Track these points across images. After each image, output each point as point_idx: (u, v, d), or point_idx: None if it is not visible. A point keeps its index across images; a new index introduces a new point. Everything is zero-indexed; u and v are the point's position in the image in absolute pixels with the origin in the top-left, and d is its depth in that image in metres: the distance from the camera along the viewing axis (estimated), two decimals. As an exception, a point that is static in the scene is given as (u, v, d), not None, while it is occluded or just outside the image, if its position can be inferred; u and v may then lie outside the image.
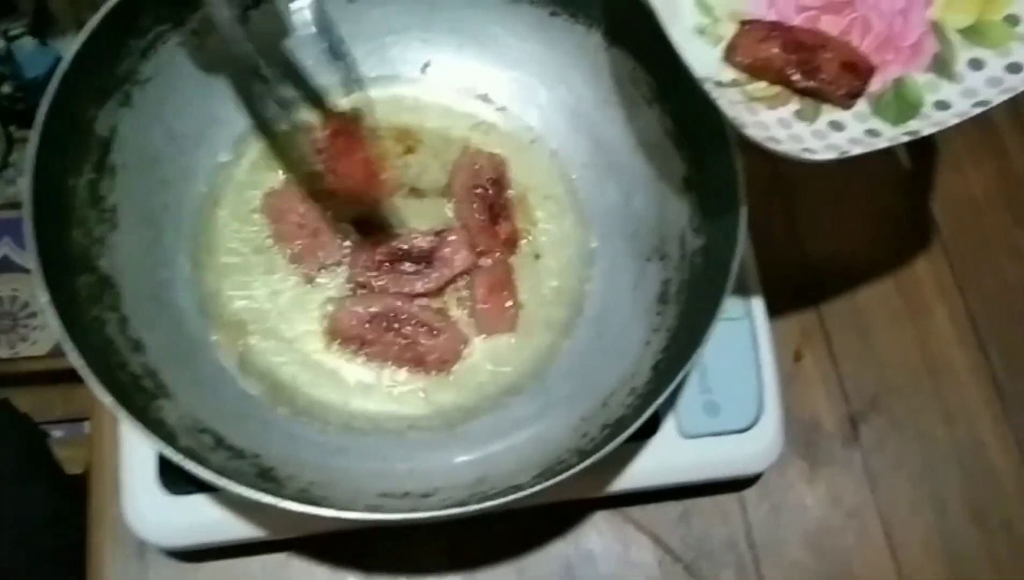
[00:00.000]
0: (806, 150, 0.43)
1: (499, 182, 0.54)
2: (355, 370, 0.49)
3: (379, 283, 0.50)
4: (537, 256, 0.54)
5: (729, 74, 0.46)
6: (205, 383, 0.47)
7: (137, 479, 0.47)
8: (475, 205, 0.54)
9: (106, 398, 0.38)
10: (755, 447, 0.53)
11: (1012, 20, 0.45)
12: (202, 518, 0.47)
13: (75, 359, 0.39)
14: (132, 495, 0.47)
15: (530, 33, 0.55)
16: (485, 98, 0.57)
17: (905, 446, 0.61)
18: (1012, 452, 0.62)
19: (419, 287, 0.51)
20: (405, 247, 0.52)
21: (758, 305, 0.56)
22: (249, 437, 0.45)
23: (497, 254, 0.53)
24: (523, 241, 0.54)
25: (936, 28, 0.46)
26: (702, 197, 0.50)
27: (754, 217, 0.59)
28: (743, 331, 0.55)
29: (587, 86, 0.55)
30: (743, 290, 0.56)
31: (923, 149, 0.70)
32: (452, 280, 0.52)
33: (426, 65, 0.57)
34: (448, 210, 0.54)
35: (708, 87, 0.42)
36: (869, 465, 0.60)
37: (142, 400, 0.43)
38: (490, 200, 0.54)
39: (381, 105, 0.56)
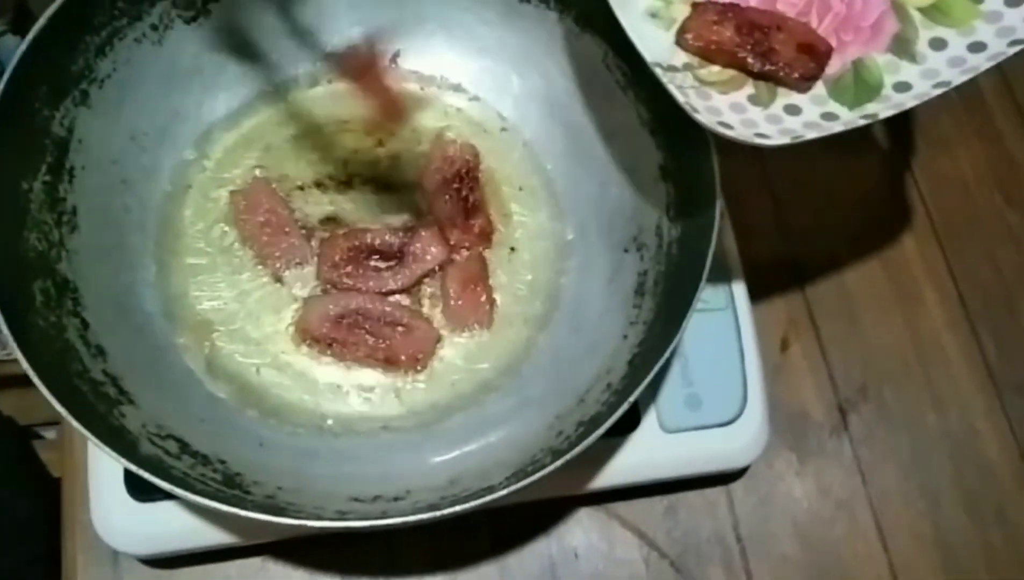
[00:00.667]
0: (759, 135, 0.42)
1: (472, 174, 0.53)
2: (326, 370, 0.48)
3: (348, 281, 0.49)
4: (512, 249, 0.53)
5: (681, 58, 0.45)
6: (170, 387, 0.46)
7: (104, 486, 0.47)
8: (448, 198, 0.52)
9: (61, 409, 0.37)
10: (739, 441, 0.52)
11: None
12: (172, 525, 0.46)
13: (27, 368, 0.38)
14: (100, 502, 0.47)
15: (501, 20, 0.54)
16: (457, 88, 0.56)
17: (895, 435, 0.60)
18: (1006, 439, 0.60)
19: (390, 284, 0.50)
20: (375, 243, 0.50)
21: (741, 294, 0.55)
22: (215, 442, 0.44)
23: (471, 248, 0.52)
24: (497, 234, 0.53)
25: (896, 7, 0.45)
26: (678, 186, 0.49)
27: (738, 204, 0.59)
28: (726, 321, 0.54)
29: (561, 73, 0.54)
30: (726, 279, 0.55)
31: (911, 130, 0.68)
32: (424, 276, 0.51)
33: (395, 55, 0.55)
34: (420, 203, 0.53)
35: (659, 72, 0.41)
36: (859, 455, 0.59)
37: (103, 407, 0.42)
38: (463, 193, 0.52)
39: (352, 97, 0.55)
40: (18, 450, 0.79)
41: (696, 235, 0.45)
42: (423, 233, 0.51)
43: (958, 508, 0.58)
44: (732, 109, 0.43)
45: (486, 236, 0.52)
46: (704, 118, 0.41)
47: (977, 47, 0.42)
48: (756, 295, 0.56)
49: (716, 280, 0.54)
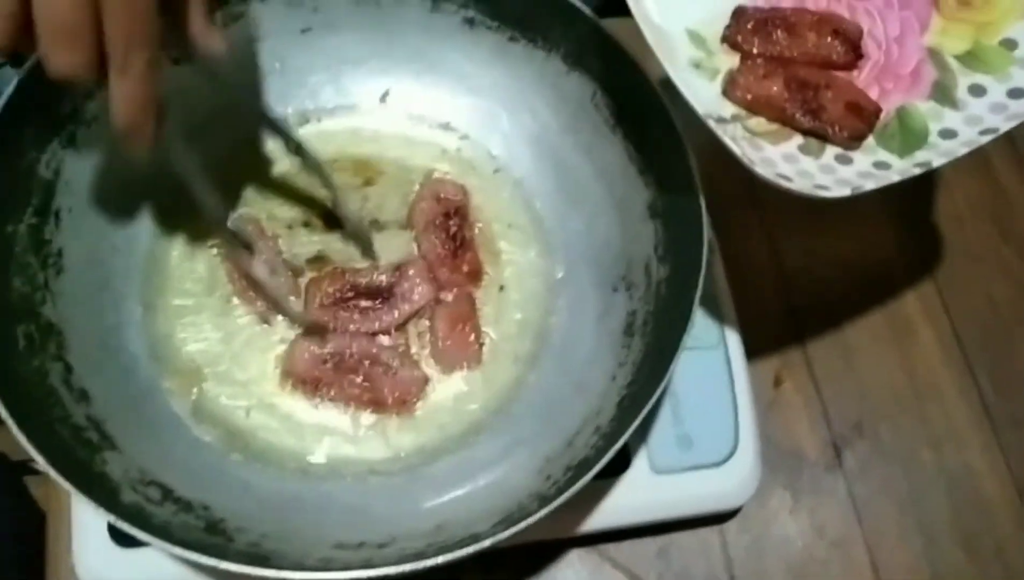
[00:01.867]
0: (818, 187, 0.41)
1: (461, 212, 0.53)
2: (312, 413, 0.48)
3: (335, 322, 0.49)
4: (501, 288, 0.52)
5: (729, 109, 0.44)
6: (155, 432, 0.45)
7: (87, 531, 0.46)
8: (437, 237, 0.52)
9: (40, 458, 0.37)
10: (731, 481, 0.51)
11: (1009, 44, 0.44)
12: (155, 572, 0.46)
13: (5, 416, 0.37)
14: (82, 547, 0.46)
15: (490, 59, 0.54)
16: (446, 126, 0.56)
17: (891, 472, 0.59)
18: (1002, 476, 0.60)
19: (377, 324, 0.49)
20: (362, 282, 0.50)
21: (733, 332, 0.54)
22: (199, 487, 0.43)
23: (460, 288, 0.51)
24: (487, 273, 0.53)
25: (933, 55, 0.45)
26: (667, 224, 0.49)
27: (731, 237, 0.58)
28: (717, 360, 0.53)
29: (550, 112, 0.54)
30: (718, 317, 0.54)
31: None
32: (412, 316, 0.50)
33: (385, 94, 0.55)
34: (409, 242, 0.53)
35: (712, 124, 0.41)
36: (854, 493, 0.58)
37: (85, 454, 0.41)
38: (452, 231, 0.52)
39: (339, 136, 0.55)
40: (9, 485, 0.79)
41: (684, 275, 0.45)
42: (411, 272, 0.51)
43: (955, 547, 0.57)
44: (786, 160, 0.43)
45: (475, 275, 0.52)
46: (762, 171, 0.40)
47: (1017, 93, 0.42)
48: (749, 331, 0.56)
49: (708, 318, 0.54)
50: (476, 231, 0.53)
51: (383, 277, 0.50)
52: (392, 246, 0.52)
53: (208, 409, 0.47)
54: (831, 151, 0.44)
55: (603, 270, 0.52)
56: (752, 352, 0.56)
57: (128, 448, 0.43)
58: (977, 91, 0.43)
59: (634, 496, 0.50)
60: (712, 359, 0.53)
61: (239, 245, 0.49)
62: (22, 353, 0.42)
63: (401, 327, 0.50)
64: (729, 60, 0.46)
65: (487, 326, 0.51)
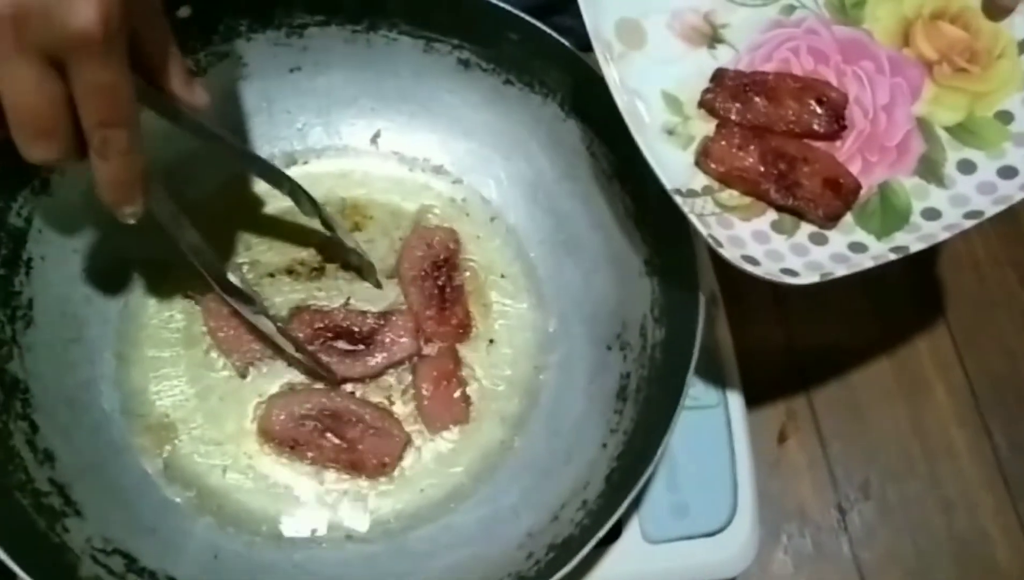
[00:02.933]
0: (786, 271, 0.39)
1: (451, 261, 0.51)
2: (288, 474, 0.46)
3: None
4: (491, 341, 0.50)
5: (700, 181, 0.42)
6: (122, 493, 0.43)
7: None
8: (425, 287, 0.50)
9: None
10: (728, 551, 0.48)
11: (1004, 117, 0.41)
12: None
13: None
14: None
15: (484, 102, 0.52)
16: (439, 170, 0.53)
17: (898, 537, 0.56)
18: (1017, 542, 0.57)
19: (354, 371, 0.48)
20: (345, 324, 0.48)
21: (735, 391, 0.52)
22: (166, 555, 0.42)
23: (446, 342, 0.49)
24: (476, 325, 0.50)
25: (923, 125, 0.43)
26: (663, 284, 0.46)
27: (735, 290, 0.56)
28: (717, 420, 0.51)
29: (546, 158, 0.52)
30: (718, 374, 0.52)
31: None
32: (389, 367, 0.48)
33: (376, 135, 0.53)
34: (397, 293, 0.51)
35: (679, 200, 0.39)
36: (859, 558, 0.56)
37: (45, 522, 0.39)
38: (441, 282, 0.50)
39: (328, 178, 0.53)
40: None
41: (680, 344, 0.43)
42: (396, 321, 0.49)
43: (965, 619, 0.54)
44: (755, 239, 0.40)
45: (464, 329, 0.50)
46: (728, 253, 0.38)
47: (1008, 172, 0.40)
48: (752, 384, 0.53)
49: (708, 375, 0.52)
50: (466, 280, 0.51)
51: (367, 322, 0.48)
52: (379, 295, 0.50)
53: (180, 467, 0.45)
54: (806, 229, 0.41)
55: (597, 326, 0.49)
56: (755, 405, 0.53)
57: (92, 513, 0.41)
58: (967, 167, 0.41)
59: (625, 567, 0.47)
60: (711, 419, 0.51)
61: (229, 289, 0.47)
62: (-17, 415, 0.40)
63: (378, 377, 0.48)
64: (705, 127, 0.43)
65: (474, 382, 0.49)
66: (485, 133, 0.52)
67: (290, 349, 0.47)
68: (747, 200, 0.42)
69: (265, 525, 0.45)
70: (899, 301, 0.63)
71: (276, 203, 0.52)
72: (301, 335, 0.48)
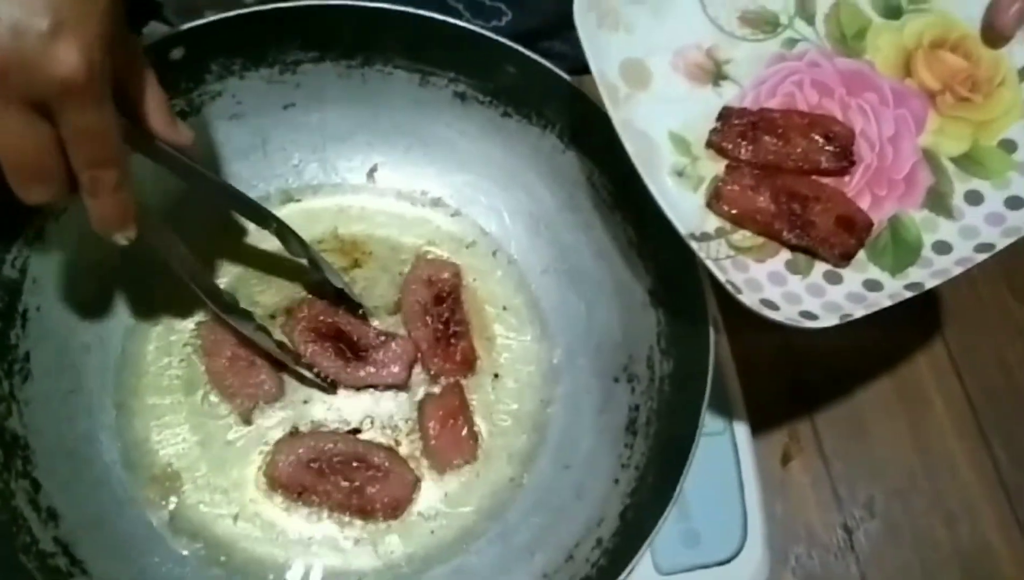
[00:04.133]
0: (805, 314, 0.39)
1: (454, 295, 0.50)
2: (296, 520, 0.45)
3: (305, 346, 0.48)
4: (496, 375, 0.50)
5: (712, 222, 0.41)
6: (128, 549, 0.43)
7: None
8: (428, 323, 0.50)
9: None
10: (740, 578, 0.48)
11: (1008, 146, 0.41)
12: None
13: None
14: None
15: (482, 134, 0.51)
16: (437, 202, 0.53)
17: (904, 554, 0.56)
18: (1020, 552, 0.57)
19: (341, 374, 0.48)
20: (347, 329, 0.49)
21: (740, 417, 0.52)
22: (176, 610, 0.41)
23: (453, 377, 0.49)
24: (480, 360, 0.50)
25: (929, 157, 0.42)
26: (669, 315, 0.46)
27: (735, 309, 0.56)
28: (724, 447, 0.51)
29: (546, 189, 0.51)
30: (723, 400, 0.52)
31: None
32: (372, 387, 0.48)
33: (373, 170, 0.53)
34: (400, 330, 0.50)
35: (694, 245, 0.38)
36: (867, 577, 0.56)
37: (51, 584, 0.39)
38: (444, 316, 0.50)
39: (325, 215, 0.52)
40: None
41: (690, 374, 0.43)
42: (393, 347, 0.48)
43: (973, 631, 0.55)
44: (772, 281, 0.40)
45: (469, 364, 0.49)
46: (748, 299, 0.38)
47: (1016, 203, 0.40)
48: (755, 406, 0.53)
49: (713, 402, 0.51)
50: (469, 314, 0.51)
51: (370, 335, 0.48)
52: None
53: (187, 518, 0.45)
54: (820, 268, 0.41)
55: (603, 358, 0.49)
56: (758, 428, 0.53)
57: (99, 571, 0.41)
58: (974, 198, 0.41)
59: (637, 599, 0.47)
60: (718, 446, 0.51)
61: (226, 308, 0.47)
62: (-16, 477, 0.39)
63: (359, 389, 0.48)
64: (714, 167, 0.43)
65: (480, 419, 0.49)
66: (484, 165, 0.52)
67: (290, 363, 0.47)
68: (760, 240, 0.41)
69: (274, 574, 0.44)
70: (896, 317, 0.63)
71: (271, 242, 0.51)
72: (305, 322, 0.48)
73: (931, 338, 0.63)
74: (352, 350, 0.48)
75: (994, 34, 0.42)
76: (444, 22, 0.46)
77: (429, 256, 0.52)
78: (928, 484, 0.59)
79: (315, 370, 0.48)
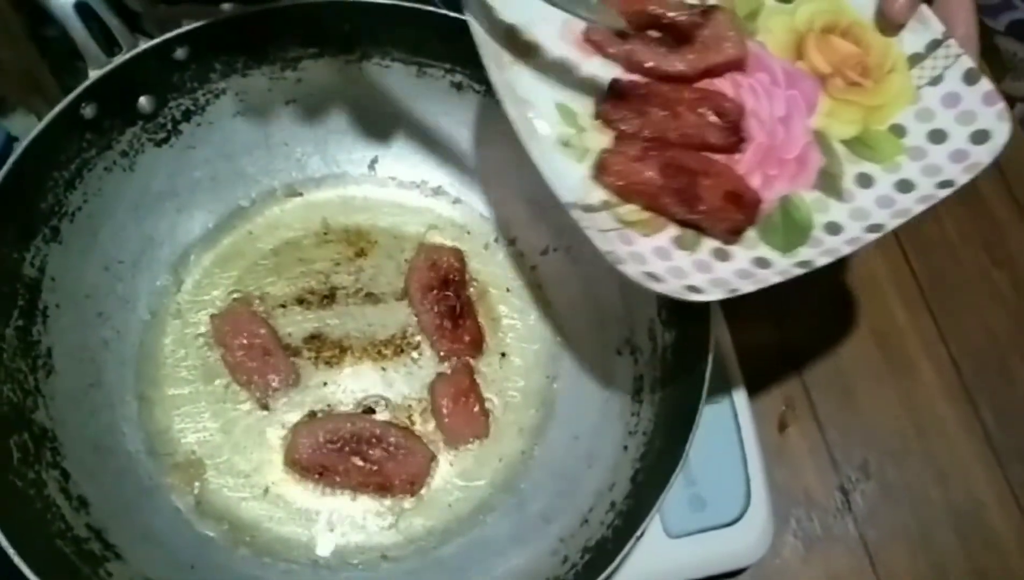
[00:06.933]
0: (690, 288, 0.37)
1: (458, 279, 0.52)
2: (319, 500, 0.47)
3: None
4: (503, 355, 0.52)
5: (598, 195, 0.40)
6: (158, 533, 0.44)
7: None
8: (435, 307, 0.51)
9: (42, 584, 0.36)
10: (745, 540, 0.50)
11: (898, 131, 0.41)
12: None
13: (4, 543, 0.36)
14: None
15: (479, 120, 0.53)
16: (438, 191, 0.55)
17: (899, 513, 0.59)
18: (1009, 508, 0.60)
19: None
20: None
21: (738, 384, 0.54)
22: (207, 590, 0.42)
23: (461, 358, 0.50)
24: (487, 340, 0.52)
25: (820, 139, 0.42)
26: (669, 288, 0.48)
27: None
28: (724, 414, 0.53)
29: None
30: (721, 370, 0.53)
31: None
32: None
33: (374, 161, 0.54)
34: (408, 314, 0.52)
35: (577, 215, 0.38)
36: (865, 536, 0.58)
37: (89, 568, 0.40)
38: (450, 300, 0.51)
39: (329, 206, 0.54)
40: None
41: (691, 344, 0.44)
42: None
43: (968, 584, 0.57)
44: (657, 255, 0.39)
45: (477, 344, 0.51)
46: (630, 269, 0.37)
47: (905, 186, 0.39)
48: (750, 377, 0.55)
49: (712, 370, 0.53)
50: (474, 296, 0.52)
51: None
52: (390, 320, 0.51)
53: (211, 502, 0.46)
54: (708, 244, 0.40)
55: (605, 332, 0.51)
56: (755, 398, 0.55)
57: (131, 555, 0.42)
58: (865, 181, 0.40)
59: (648, 562, 0.48)
60: (718, 413, 0.52)
61: None
62: (17, 467, 0.40)
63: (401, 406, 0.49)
64: (602, 139, 0.41)
65: (490, 396, 0.50)
66: (482, 152, 0.54)
67: None
68: (647, 215, 0.40)
69: (300, 552, 0.46)
70: (880, 288, 0.65)
71: (277, 234, 0.52)
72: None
73: (916, 307, 0.65)
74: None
75: (886, 21, 0.42)
76: (441, 14, 0.48)
77: (432, 243, 0.53)
78: (919, 446, 0.61)
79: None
